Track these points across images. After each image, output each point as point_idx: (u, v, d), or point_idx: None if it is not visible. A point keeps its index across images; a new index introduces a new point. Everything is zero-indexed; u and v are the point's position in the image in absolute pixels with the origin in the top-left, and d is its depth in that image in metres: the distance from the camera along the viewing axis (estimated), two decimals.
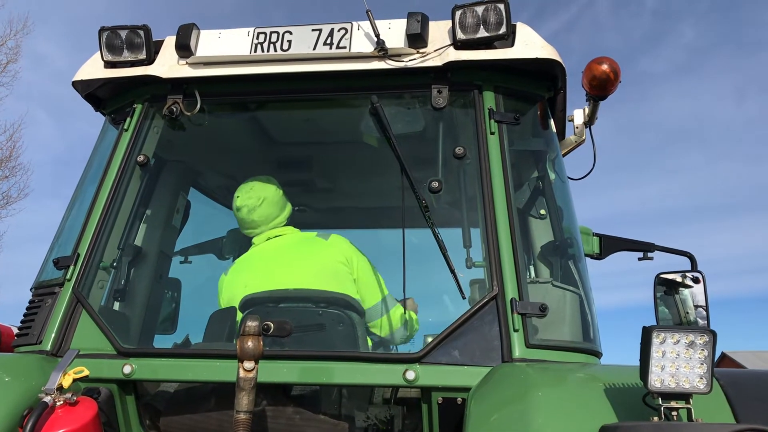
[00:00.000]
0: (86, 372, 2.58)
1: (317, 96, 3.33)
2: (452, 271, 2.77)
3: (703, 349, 1.87)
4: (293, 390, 3.01)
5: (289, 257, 3.46)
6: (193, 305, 4.28)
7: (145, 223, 3.75)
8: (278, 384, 2.80)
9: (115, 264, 3.26)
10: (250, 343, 2.23)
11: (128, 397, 2.86)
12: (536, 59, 3.02)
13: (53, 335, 2.88)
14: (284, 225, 3.61)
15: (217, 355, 2.78)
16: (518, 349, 2.54)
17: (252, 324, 2.25)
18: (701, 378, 1.86)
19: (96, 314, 2.92)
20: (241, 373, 2.22)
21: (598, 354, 2.92)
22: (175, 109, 3.29)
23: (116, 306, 3.59)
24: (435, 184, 2.95)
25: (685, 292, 3.82)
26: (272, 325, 2.60)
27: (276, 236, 3.53)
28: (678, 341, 1.88)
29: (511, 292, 2.65)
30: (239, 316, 3.26)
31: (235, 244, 5.08)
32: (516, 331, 2.57)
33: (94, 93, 3.52)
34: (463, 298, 2.77)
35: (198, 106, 3.29)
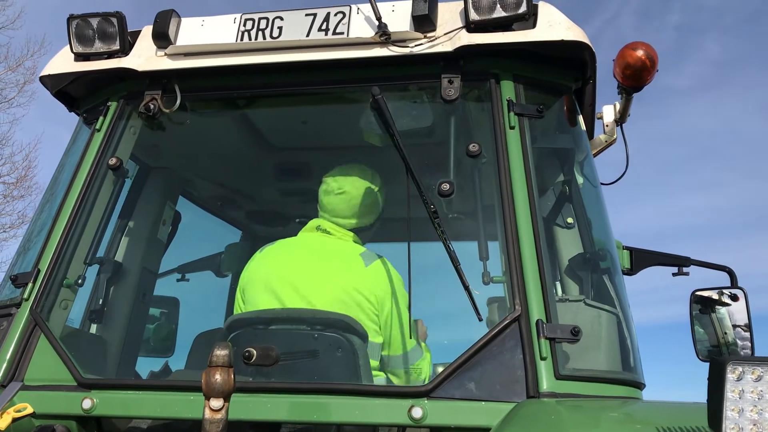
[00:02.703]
0: (30, 409, 2.20)
1: (311, 89, 2.97)
2: (466, 288, 2.37)
3: None
4: (283, 428, 2.61)
5: (321, 268, 2.93)
6: (195, 325, 3.93)
7: (126, 236, 3.40)
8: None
9: (80, 281, 2.88)
10: (218, 377, 1.82)
11: None
12: (562, 42, 2.63)
13: (5, 364, 2.50)
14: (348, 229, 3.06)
15: (192, 387, 2.38)
16: (546, 382, 2.16)
17: (221, 353, 1.84)
18: None
19: (55, 339, 2.54)
20: (207, 414, 1.81)
21: (640, 385, 2.53)
22: (152, 106, 2.91)
23: (93, 329, 3.24)
24: (446, 187, 2.53)
25: (722, 310, 3.54)
26: (255, 352, 2.23)
27: (325, 230, 3.02)
28: (760, 377, 1.46)
29: (536, 312, 2.26)
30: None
31: (234, 259, 4.72)
32: (543, 359, 2.19)
33: (66, 90, 3.18)
34: (480, 319, 2.38)
35: (178, 102, 2.92)
